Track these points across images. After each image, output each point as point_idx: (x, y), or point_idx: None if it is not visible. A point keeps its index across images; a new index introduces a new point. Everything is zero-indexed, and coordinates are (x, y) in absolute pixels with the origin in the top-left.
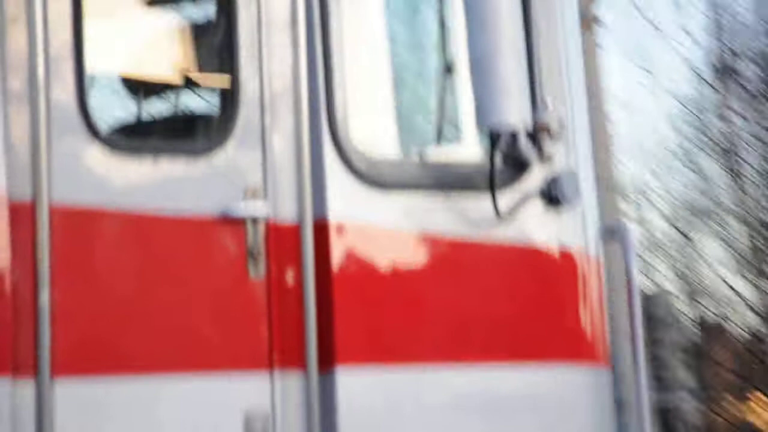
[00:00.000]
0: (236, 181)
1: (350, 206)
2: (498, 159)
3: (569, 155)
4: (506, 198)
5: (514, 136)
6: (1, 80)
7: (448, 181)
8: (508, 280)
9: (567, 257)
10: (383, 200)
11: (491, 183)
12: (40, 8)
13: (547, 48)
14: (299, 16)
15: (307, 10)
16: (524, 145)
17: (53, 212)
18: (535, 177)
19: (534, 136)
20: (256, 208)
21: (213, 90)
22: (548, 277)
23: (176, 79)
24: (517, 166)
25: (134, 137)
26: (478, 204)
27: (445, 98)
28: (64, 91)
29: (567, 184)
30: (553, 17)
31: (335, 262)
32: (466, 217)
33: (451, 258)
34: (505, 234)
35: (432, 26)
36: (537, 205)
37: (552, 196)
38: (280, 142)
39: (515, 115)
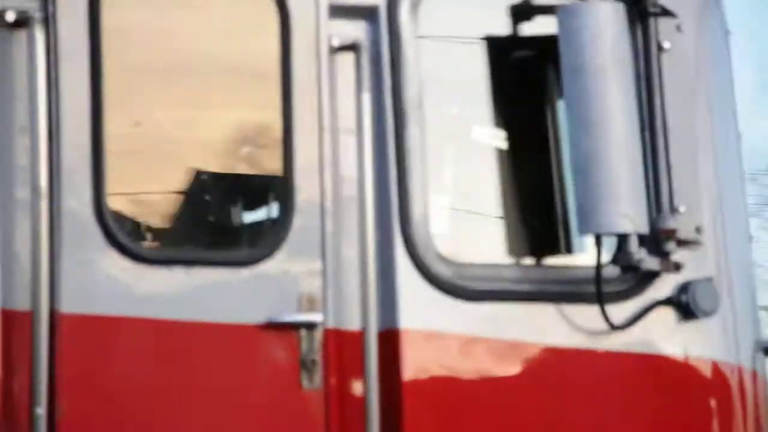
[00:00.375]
0: (289, 289)
1: (427, 314)
2: (612, 266)
3: (718, 263)
4: (629, 306)
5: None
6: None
7: (555, 288)
8: (625, 392)
9: (706, 369)
10: (471, 308)
11: (598, 292)
12: (44, 118)
13: (684, 150)
14: (365, 122)
15: (377, 116)
16: (636, 251)
17: (63, 322)
18: (666, 285)
19: (658, 243)
20: (311, 316)
21: (261, 196)
22: (680, 389)
23: (218, 184)
24: (644, 273)
25: (165, 247)
26: (589, 311)
27: (549, 200)
28: (78, 200)
29: (702, 292)
30: (698, 120)
31: (406, 374)
32: (574, 325)
33: (556, 369)
34: (625, 343)
35: (532, 123)
36: (667, 314)
37: (684, 305)
38: (344, 249)
39: (622, 220)
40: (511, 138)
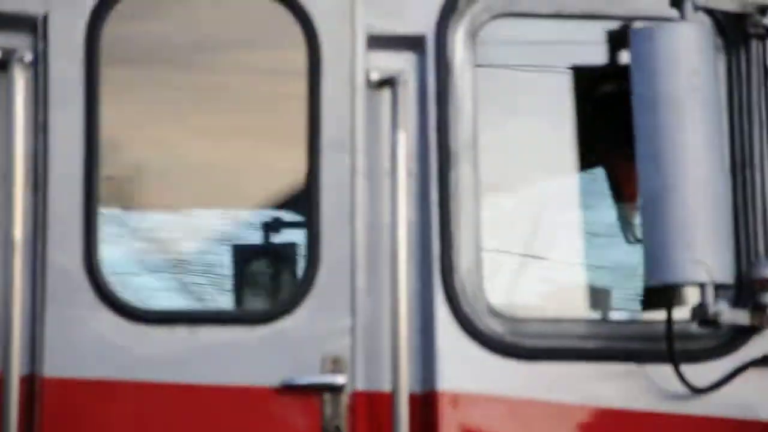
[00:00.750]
0: (310, 348)
1: (471, 375)
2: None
3: None
4: (721, 365)
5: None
6: None
7: (631, 346)
8: None
9: None
10: (526, 368)
11: (670, 349)
12: (21, 165)
13: None
14: (399, 163)
15: (423, 157)
16: (711, 304)
17: (46, 387)
18: (763, 342)
19: (752, 294)
20: (334, 378)
21: (281, 247)
22: None
23: (229, 234)
24: (739, 328)
25: (166, 304)
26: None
27: (624, 246)
28: (66, 253)
29: None
30: None
31: None
32: (655, 387)
33: None
34: (716, 406)
35: (609, 162)
36: (761, 375)
37: None
38: (375, 302)
39: (694, 268)
40: (585, 177)
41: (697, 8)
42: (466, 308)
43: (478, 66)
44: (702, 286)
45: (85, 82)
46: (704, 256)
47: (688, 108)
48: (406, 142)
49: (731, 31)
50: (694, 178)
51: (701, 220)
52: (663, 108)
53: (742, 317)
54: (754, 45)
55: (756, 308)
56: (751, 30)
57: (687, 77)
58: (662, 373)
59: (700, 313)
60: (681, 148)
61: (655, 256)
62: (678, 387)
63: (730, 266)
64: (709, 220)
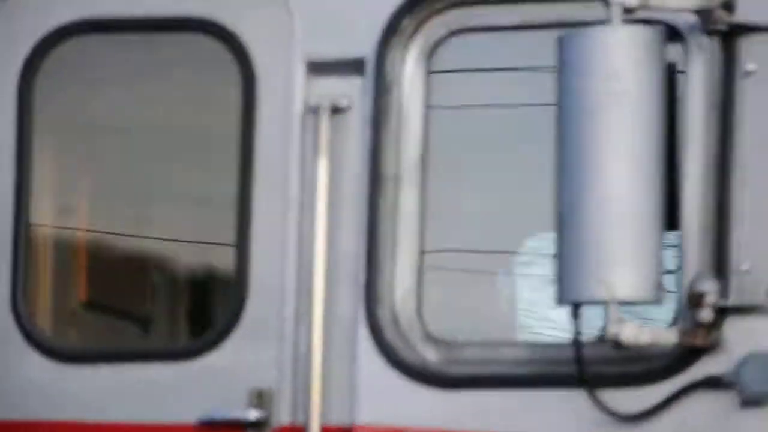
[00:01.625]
0: (237, 383)
1: (392, 407)
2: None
3: None
4: (662, 389)
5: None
6: None
7: (565, 370)
8: None
9: None
10: (455, 398)
11: (579, 373)
12: None
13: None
14: (319, 192)
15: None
16: (613, 323)
17: None
18: (722, 362)
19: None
20: (255, 413)
21: (208, 278)
22: None
23: (156, 267)
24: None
25: (90, 343)
26: (618, 395)
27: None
28: None
29: (751, 372)
30: None
31: None
32: (591, 415)
33: None
34: None
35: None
36: (712, 399)
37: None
38: (300, 334)
39: (596, 286)
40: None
41: (630, 10)
42: (392, 338)
43: (430, 75)
44: (605, 305)
45: (17, 124)
46: (611, 274)
47: (603, 115)
48: (327, 170)
49: (689, 34)
50: (604, 191)
51: (610, 237)
52: (577, 117)
53: (666, 337)
54: (716, 44)
55: (697, 326)
56: (712, 27)
57: (604, 82)
58: (608, 398)
59: (601, 333)
60: (591, 159)
61: (562, 274)
62: (622, 413)
63: (652, 283)
64: (623, 236)
